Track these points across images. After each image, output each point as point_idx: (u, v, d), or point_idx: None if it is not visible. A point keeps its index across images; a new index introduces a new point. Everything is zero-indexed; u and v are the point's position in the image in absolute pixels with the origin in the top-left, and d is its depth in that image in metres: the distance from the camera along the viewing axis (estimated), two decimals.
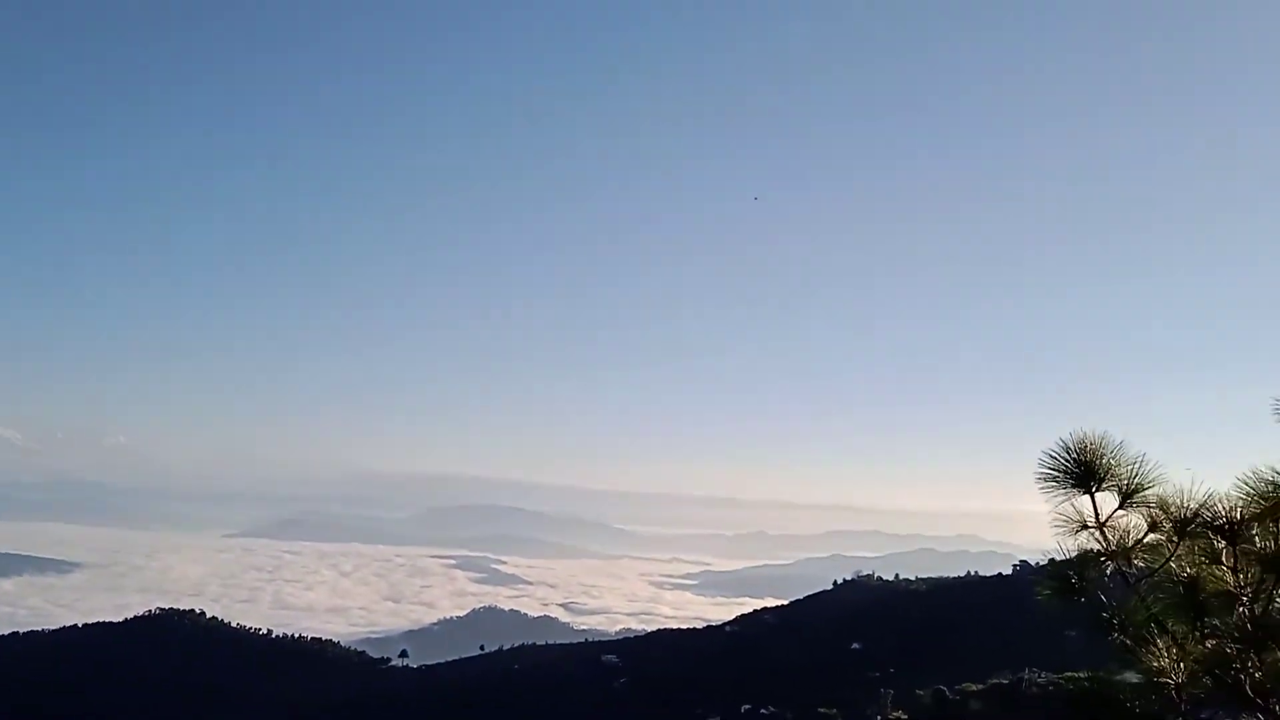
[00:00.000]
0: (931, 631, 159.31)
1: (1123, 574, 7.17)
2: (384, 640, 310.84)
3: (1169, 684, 6.76)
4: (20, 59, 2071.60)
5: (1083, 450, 7.10)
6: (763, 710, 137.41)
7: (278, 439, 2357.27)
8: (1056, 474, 7.14)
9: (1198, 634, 7.01)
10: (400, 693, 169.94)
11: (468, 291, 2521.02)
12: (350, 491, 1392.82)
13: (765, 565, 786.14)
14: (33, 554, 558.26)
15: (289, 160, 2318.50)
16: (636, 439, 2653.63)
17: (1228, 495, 6.96)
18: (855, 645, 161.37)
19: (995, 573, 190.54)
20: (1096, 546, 7.15)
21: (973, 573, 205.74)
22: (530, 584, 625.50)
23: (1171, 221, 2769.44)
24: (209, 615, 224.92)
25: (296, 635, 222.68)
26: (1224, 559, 6.99)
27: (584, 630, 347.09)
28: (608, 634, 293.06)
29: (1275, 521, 6.78)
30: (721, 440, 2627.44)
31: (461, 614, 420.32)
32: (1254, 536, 6.86)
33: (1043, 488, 7.17)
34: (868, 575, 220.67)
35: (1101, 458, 7.08)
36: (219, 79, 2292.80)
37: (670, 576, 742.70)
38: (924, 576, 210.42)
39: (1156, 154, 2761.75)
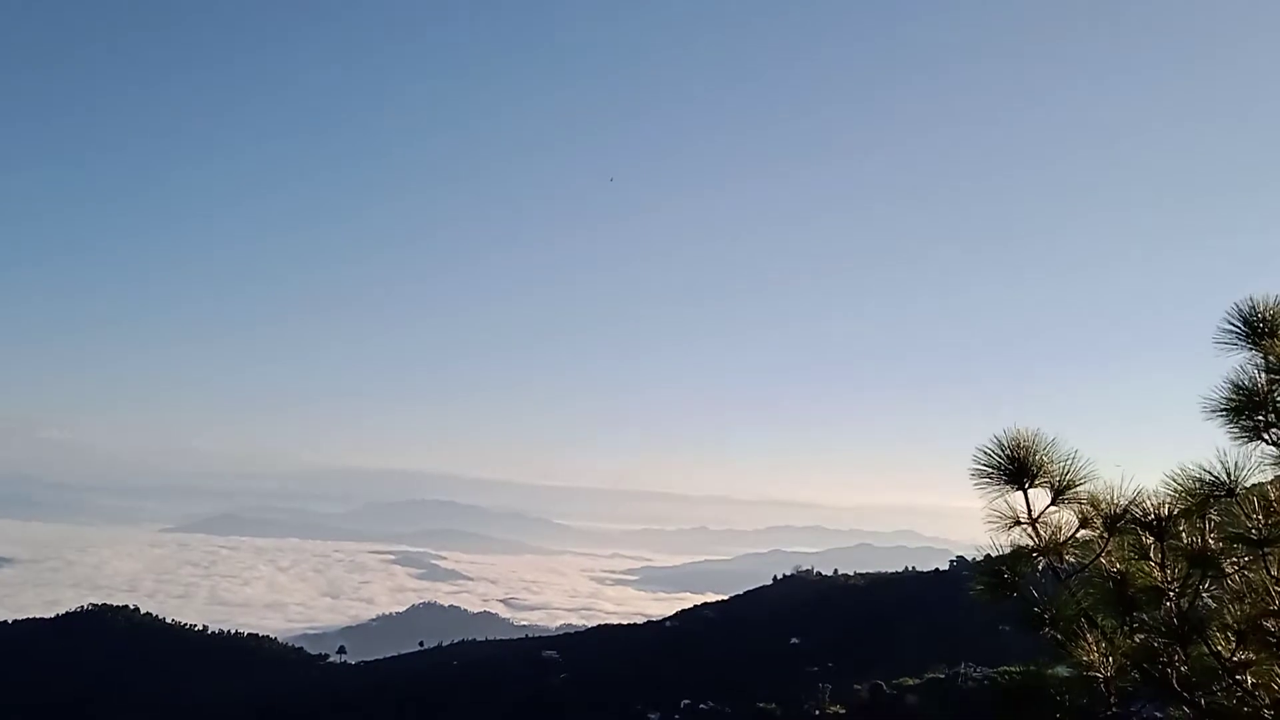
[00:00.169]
0: (869, 626, 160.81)
1: (1054, 569, 7.24)
2: (322, 636, 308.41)
3: (1098, 677, 6.84)
4: None
5: (1016, 447, 7.15)
6: (702, 705, 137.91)
7: (215, 433, 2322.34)
8: (990, 471, 7.18)
9: (1126, 628, 7.08)
10: (338, 689, 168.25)
11: (408, 288, 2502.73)
12: (288, 486, 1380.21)
13: (706, 561, 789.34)
14: None
15: (242, 150, 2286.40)
16: (579, 435, 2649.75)
17: (1156, 492, 7.06)
18: (794, 640, 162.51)
19: (932, 568, 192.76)
20: (1029, 542, 7.21)
21: (910, 568, 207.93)
22: (470, 580, 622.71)
23: (1111, 215, 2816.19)
24: (143, 611, 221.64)
25: (232, 631, 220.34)
26: (1152, 554, 7.09)
27: (524, 626, 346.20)
28: (548, 630, 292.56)
29: (1201, 518, 6.89)
30: (664, 436, 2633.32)
31: (401, 610, 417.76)
32: (1181, 532, 6.96)
33: (977, 484, 7.22)
34: (807, 571, 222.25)
35: (1034, 454, 7.14)
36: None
37: (611, 572, 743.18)
38: (863, 572, 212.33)
39: (1087, 143, 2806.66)
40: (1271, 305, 7.11)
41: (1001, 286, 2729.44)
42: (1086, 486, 7.18)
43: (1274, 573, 6.63)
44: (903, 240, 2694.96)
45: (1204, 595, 6.95)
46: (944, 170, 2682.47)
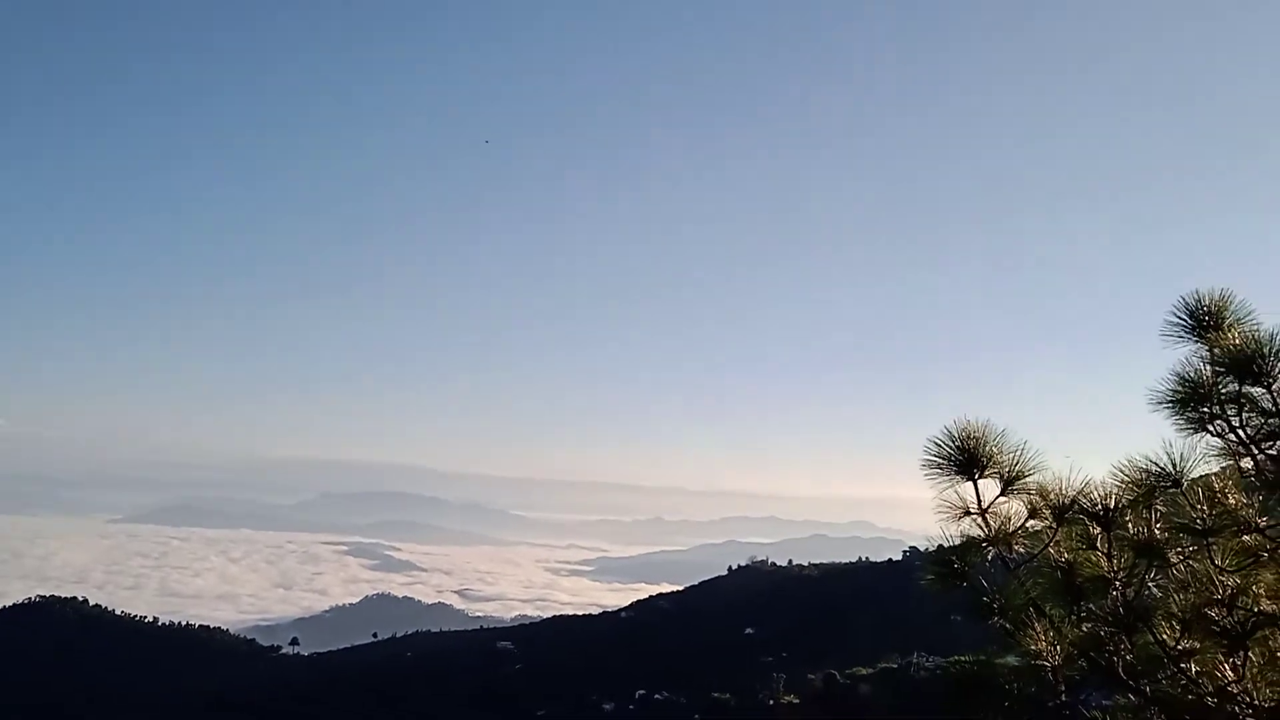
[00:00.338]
0: (823, 617, 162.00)
1: (1004, 559, 7.29)
2: (274, 628, 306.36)
3: (1046, 666, 6.89)
4: None
5: (966, 438, 7.19)
6: (657, 695, 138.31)
7: (165, 422, 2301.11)
8: (941, 461, 7.20)
9: (1074, 618, 7.14)
10: (291, 681, 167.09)
11: (368, 279, 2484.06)
12: (241, 476, 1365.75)
13: (661, 551, 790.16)
14: None
15: (207, 141, 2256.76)
16: (534, 426, 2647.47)
17: (1104, 483, 7.12)
18: (749, 630, 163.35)
19: (886, 558, 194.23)
20: (979, 533, 7.25)
21: (864, 558, 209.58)
22: (425, 571, 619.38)
23: (1062, 206, 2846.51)
24: (92, 603, 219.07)
25: (183, 623, 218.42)
26: (1099, 544, 7.16)
27: (479, 617, 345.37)
28: (503, 620, 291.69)
29: (1148, 508, 6.96)
30: (619, 428, 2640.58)
31: (354, 601, 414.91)
32: (1127, 523, 7.02)
33: (928, 475, 7.24)
34: (762, 561, 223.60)
35: (984, 445, 7.17)
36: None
37: (567, 563, 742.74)
38: (817, 563, 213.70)
39: (1023, 135, 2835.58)
40: (1216, 299, 7.19)
41: (949, 278, 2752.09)
42: (1035, 477, 7.22)
43: (1218, 562, 6.70)
44: (854, 232, 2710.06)
45: (1150, 585, 7.01)
46: (884, 163, 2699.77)
